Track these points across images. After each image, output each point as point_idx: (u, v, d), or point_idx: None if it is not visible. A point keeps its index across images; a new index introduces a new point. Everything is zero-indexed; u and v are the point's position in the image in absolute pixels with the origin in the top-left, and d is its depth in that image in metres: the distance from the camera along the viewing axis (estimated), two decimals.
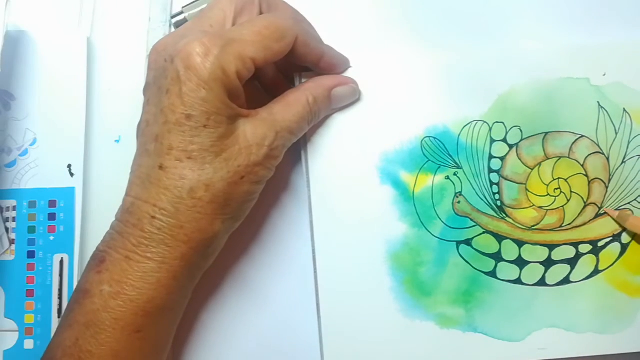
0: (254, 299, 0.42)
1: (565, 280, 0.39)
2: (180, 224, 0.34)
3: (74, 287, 0.40)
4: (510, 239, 0.39)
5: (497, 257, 0.39)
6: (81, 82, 0.42)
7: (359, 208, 0.40)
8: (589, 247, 0.39)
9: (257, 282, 0.42)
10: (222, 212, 0.35)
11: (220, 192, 0.34)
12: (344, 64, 0.40)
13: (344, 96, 0.39)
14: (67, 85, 0.42)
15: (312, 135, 0.40)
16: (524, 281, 0.39)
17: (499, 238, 0.40)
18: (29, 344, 0.40)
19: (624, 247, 0.40)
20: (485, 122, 0.40)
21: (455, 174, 0.40)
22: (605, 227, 0.40)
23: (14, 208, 0.41)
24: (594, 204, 0.40)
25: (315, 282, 0.40)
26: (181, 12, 0.42)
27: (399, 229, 0.40)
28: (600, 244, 0.40)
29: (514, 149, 0.40)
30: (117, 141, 0.43)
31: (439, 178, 0.40)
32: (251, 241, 0.42)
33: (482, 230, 0.40)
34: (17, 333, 0.40)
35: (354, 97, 0.40)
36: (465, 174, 0.40)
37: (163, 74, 0.35)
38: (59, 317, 0.40)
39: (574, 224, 0.40)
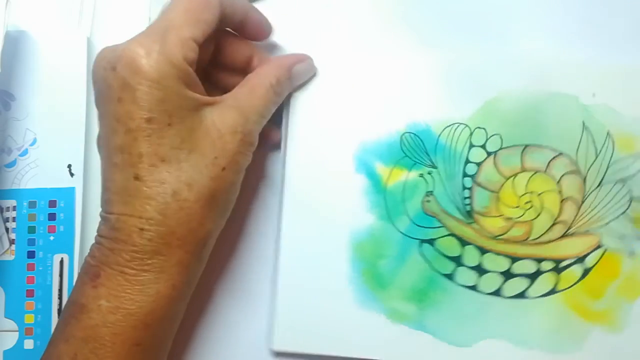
0: (246, 298, 0.42)
1: (522, 295, 0.39)
2: (171, 230, 0.34)
3: None
4: (474, 245, 0.40)
5: (458, 260, 0.40)
6: (81, 82, 0.42)
7: (330, 193, 0.40)
8: (551, 265, 0.39)
9: (248, 280, 0.42)
10: (210, 209, 0.34)
11: (204, 189, 0.34)
12: (268, 27, 0.39)
13: (303, 73, 0.39)
14: (67, 85, 0.42)
15: (295, 118, 0.40)
16: (480, 288, 0.39)
17: (463, 242, 0.40)
18: (29, 344, 0.40)
19: (587, 271, 0.39)
20: (467, 125, 0.40)
21: (429, 173, 0.40)
22: (570, 248, 0.39)
23: (14, 208, 0.41)
24: (563, 222, 0.39)
25: (276, 261, 0.40)
26: None
27: (366, 219, 0.40)
28: (562, 264, 0.39)
29: (492, 156, 0.40)
30: None
31: (413, 175, 0.40)
32: (237, 239, 0.42)
33: (447, 232, 0.40)
34: (17, 333, 0.40)
35: (311, 73, 0.40)
36: (439, 175, 0.40)
37: (106, 83, 0.34)
38: (59, 317, 0.40)
39: (539, 240, 0.39)
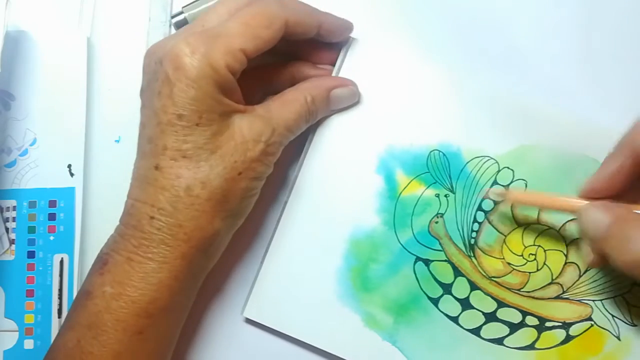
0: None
1: (499, 341, 0.39)
2: (179, 222, 0.34)
3: (74, 287, 0.41)
4: (467, 278, 0.39)
5: (447, 288, 0.39)
6: (81, 82, 0.42)
7: (344, 185, 0.40)
8: (535, 322, 0.39)
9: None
10: (221, 209, 0.35)
11: (217, 189, 0.34)
12: (346, 28, 0.39)
13: (342, 98, 0.39)
14: (67, 85, 0.42)
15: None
16: (460, 322, 0.39)
17: (457, 272, 0.39)
18: (29, 344, 0.41)
19: (569, 338, 0.39)
20: (497, 162, 0.39)
21: (446, 196, 0.40)
22: (560, 311, 0.39)
23: (14, 208, 0.41)
24: (560, 285, 0.39)
25: (272, 234, 0.40)
26: (181, 12, 0.41)
27: (371, 220, 0.40)
28: (547, 324, 0.39)
29: None
30: (117, 141, 0.43)
31: (430, 192, 0.40)
32: (254, 240, 0.42)
33: (444, 258, 0.39)
34: (17, 333, 0.41)
35: (352, 100, 0.39)
36: (455, 200, 0.40)
37: (154, 76, 0.35)
38: (59, 317, 0.41)
39: (532, 294, 0.39)
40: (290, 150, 0.40)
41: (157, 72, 0.35)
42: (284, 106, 0.37)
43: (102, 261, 0.35)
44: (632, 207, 0.34)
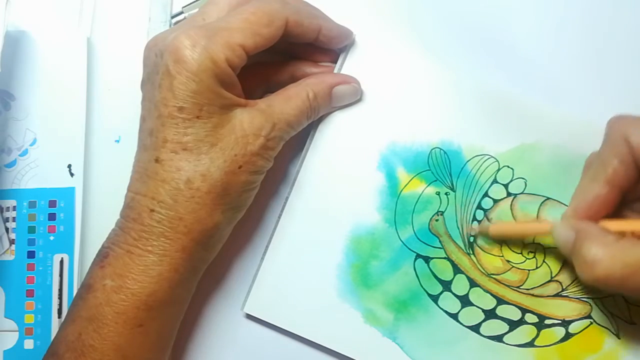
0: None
1: (498, 338, 0.39)
2: (179, 215, 0.34)
3: (74, 287, 0.41)
4: (466, 276, 0.40)
5: (447, 285, 0.40)
6: (81, 82, 0.42)
7: (345, 182, 0.40)
8: (535, 319, 0.39)
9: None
10: (221, 202, 0.35)
11: (217, 182, 0.35)
12: (345, 36, 0.39)
13: (344, 95, 0.39)
14: (67, 86, 0.42)
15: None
16: (460, 319, 0.39)
17: (456, 270, 0.40)
18: (29, 344, 0.41)
19: (568, 336, 0.39)
20: (497, 160, 0.40)
21: (446, 194, 0.40)
22: (559, 309, 0.39)
23: (14, 208, 0.41)
24: (559, 283, 0.39)
25: (273, 230, 0.40)
26: (181, 12, 0.42)
27: (372, 217, 0.40)
28: (547, 321, 0.39)
29: (511, 198, 0.40)
30: (117, 141, 0.43)
31: (430, 190, 0.40)
32: (255, 236, 0.42)
33: (444, 255, 0.40)
34: (17, 333, 0.41)
35: (355, 97, 0.40)
36: (455, 199, 0.40)
37: (154, 69, 0.35)
38: (59, 317, 0.41)
39: (531, 291, 0.39)
40: (291, 146, 0.40)
41: (158, 65, 0.35)
42: (286, 101, 0.37)
43: (103, 254, 0.36)
44: (602, 222, 0.35)
